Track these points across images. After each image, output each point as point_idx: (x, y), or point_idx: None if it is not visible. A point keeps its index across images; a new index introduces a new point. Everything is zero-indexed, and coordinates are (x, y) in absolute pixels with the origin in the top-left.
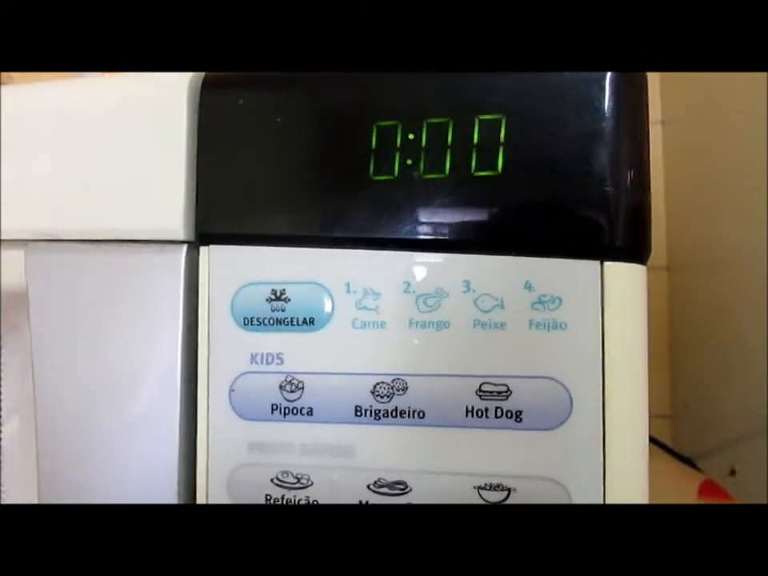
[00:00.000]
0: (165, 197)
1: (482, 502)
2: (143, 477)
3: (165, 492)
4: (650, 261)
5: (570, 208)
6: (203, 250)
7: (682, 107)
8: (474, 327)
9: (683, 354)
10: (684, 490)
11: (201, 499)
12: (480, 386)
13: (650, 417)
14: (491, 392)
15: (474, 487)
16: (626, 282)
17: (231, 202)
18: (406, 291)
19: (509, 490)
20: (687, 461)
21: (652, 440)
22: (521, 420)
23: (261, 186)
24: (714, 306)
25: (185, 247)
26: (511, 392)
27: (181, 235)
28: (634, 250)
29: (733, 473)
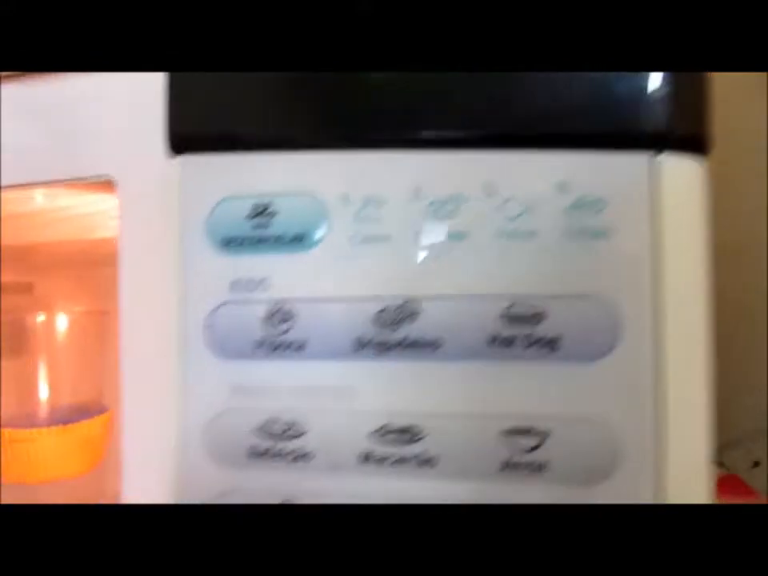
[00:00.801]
0: None
1: (509, 449)
2: None
3: None
4: None
5: (616, 89)
6: (174, 161)
7: None
8: (498, 238)
9: None
10: None
11: (173, 455)
12: (506, 309)
13: None
14: (520, 316)
15: (500, 432)
16: (682, 178)
17: (206, 99)
18: (415, 198)
19: (542, 434)
20: None
21: None
22: (557, 349)
23: (242, 78)
24: (738, 297)
25: None
26: (544, 315)
27: None
28: (694, 138)
29: (756, 465)
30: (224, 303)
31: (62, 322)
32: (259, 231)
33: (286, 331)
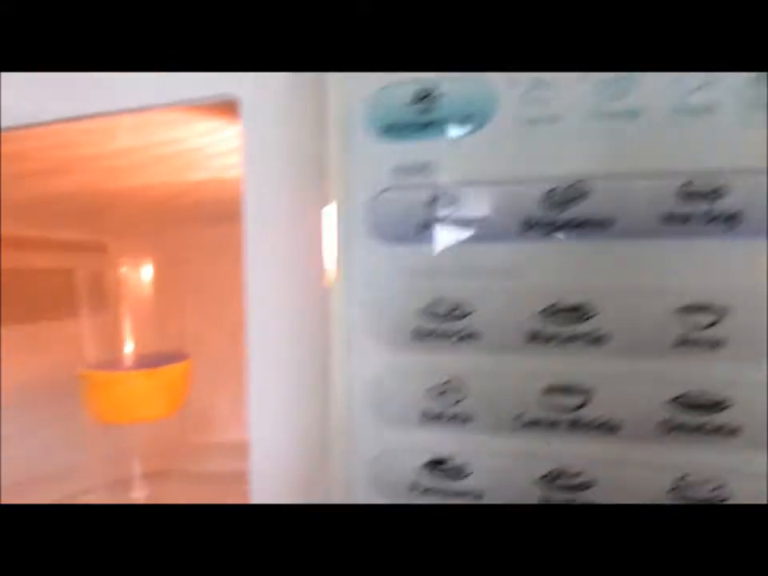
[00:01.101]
0: None
1: (685, 325)
2: None
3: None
4: None
5: None
6: None
7: None
8: (675, 113)
9: None
10: None
11: (337, 336)
12: (683, 186)
13: None
14: (698, 192)
15: (676, 308)
16: None
17: None
18: (584, 77)
19: (721, 310)
20: None
21: None
22: (737, 225)
23: None
24: None
25: None
26: (724, 191)
27: None
28: None
29: None
30: (387, 188)
31: (140, 274)
32: (423, 116)
33: (451, 214)
